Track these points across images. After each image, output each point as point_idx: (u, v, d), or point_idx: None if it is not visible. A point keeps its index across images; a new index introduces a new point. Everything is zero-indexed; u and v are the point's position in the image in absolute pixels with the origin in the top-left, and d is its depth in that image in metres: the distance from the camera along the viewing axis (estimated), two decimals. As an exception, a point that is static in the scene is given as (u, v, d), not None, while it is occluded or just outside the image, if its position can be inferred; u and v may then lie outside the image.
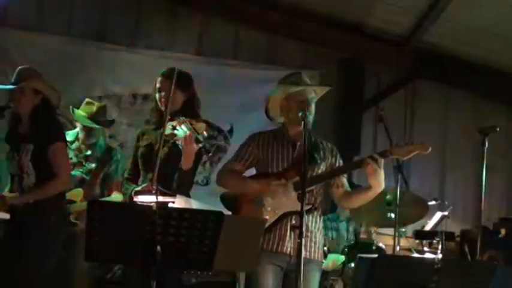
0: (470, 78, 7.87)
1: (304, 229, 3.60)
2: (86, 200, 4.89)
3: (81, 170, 5.14)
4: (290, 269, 3.70)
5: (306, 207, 3.61)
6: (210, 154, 3.65)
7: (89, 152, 5.22)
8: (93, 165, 5.16)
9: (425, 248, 6.29)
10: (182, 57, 7.18)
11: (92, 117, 5.20)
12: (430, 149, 3.63)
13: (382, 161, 3.63)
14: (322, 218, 3.94)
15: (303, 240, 3.56)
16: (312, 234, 3.79)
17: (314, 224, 3.82)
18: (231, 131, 3.83)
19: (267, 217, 3.71)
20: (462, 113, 8.32)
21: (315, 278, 3.82)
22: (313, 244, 3.79)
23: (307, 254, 3.70)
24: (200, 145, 3.57)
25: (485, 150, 4.09)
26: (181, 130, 3.60)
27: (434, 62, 7.79)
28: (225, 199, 3.97)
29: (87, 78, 7.08)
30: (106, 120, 5.44)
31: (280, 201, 3.74)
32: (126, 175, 4.04)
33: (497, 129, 4.09)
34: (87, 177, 5.11)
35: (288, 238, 3.73)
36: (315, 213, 3.82)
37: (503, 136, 8.03)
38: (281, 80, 3.97)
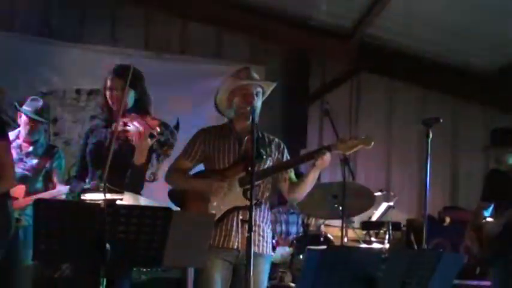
0: (415, 70, 8.02)
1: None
2: (27, 196, 4.89)
3: (22, 166, 5.09)
4: (239, 264, 3.72)
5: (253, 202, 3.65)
6: (159, 150, 3.65)
7: (30, 149, 5.18)
8: (35, 161, 5.13)
9: (373, 238, 6.40)
10: (128, 52, 7.11)
11: (38, 113, 5.16)
12: (372, 143, 3.69)
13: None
14: (269, 211, 3.96)
15: (252, 234, 3.63)
16: (260, 228, 3.81)
17: (262, 218, 3.84)
18: (177, 126, 3.80)
19: (213, 212, 3.72)
20: (407, 104, 8.46)
21: (265, 272, 3.84)
22: (261, 238, 3.81)
23: (256, 248, 3.72)
24: (154, 140, 3.57)
25: (429, 141, 4.16)
26: (134, 126, 3.59)
27: (378, 55, 7.91)
28: (172, 195, 3.96)
29: (31, 75, 6.95)
30: (49, 117, 5.41)
31: (226, 197, 3.75)
32: (73, 173, 3.99)
33: (441, 120, 4.18)
34: (29, 174, 5.09)
35: (234, 233, 3.74)
36: (262, 207, 3.83)
37: (448, 127, 8.22)
38: (231, 74, 3.98)
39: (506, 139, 4.82)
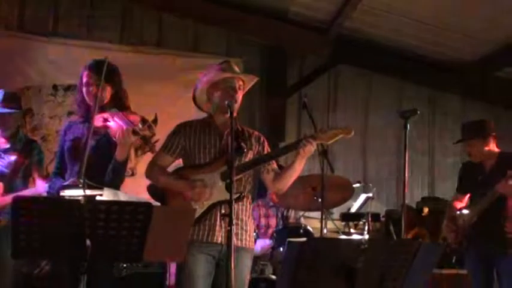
0: (392, 62, 8.07)
1: (234, 217, 3.67)
2: (6, 194, 4.79)
3: (0, 164, 5.00)
4: (222, 258, 3.72)
5: (234, 196, 3.66)
6: (146, 147, 3.65)
7: (8, 145, 5.08)
8: (13, 158, 5.04)
9: (352, 230, 6.44)
10: (104, 46, 7.05)
11: (3, 104, 4.96)
12: (353, 132, 3.71)
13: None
14: (252, 205, 3.97)
15: (234, 228, 3.62)
16: (243, 222, 3.81)
17: (244, 211, 3.84)
18: (155, 120, 3.78)
19: (196, 207, 3.72)
20: (384, 96, 8.52)
21: (247, 266, 3.84)
22: (244, 232, 3.81)
23: (239, 242, 3.73)
24: (138, 137, 3.57)
25: (407, 133, 4.19)
26: (116, 122, 3.58)
27: (356, 47, 7.95)
28: (153, 191, 3.94)
29: (7, 70, 6.87)
30: (19, 106, 5.17)
31: (208, 191, 3.74)
32: (53, 169, 3.96)
33: (418, 112, 4.21)
34: (7, 171, 4.99)
35: (218, 228, 3.73)
36: (245, 201, 3.84)
37: (425, 118, 8.30)
38: (211, 66, 3.96)
39: (473, 132, 4.88)
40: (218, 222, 3.73)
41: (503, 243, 4.65)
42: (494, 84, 8.04)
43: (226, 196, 3.37)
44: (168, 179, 3.86)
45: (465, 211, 4.90)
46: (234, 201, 3.55)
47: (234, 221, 3.67)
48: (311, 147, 3.73)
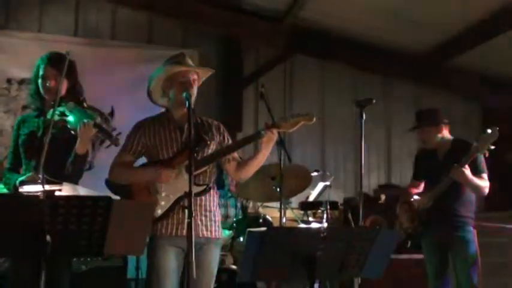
0: (347, 51, 8.14)
1: (203, 209, 3.71)
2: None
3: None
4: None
5: (201, 188, 3.67)
6: (107, 140, 3.63)
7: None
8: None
9: (310, 218, 6.50)
10: (58, 39, 6.96)
11: None
12: (314, 119, 3.74)
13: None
14: (218, 195, 3.98)
15: (203, 220, 3.69)
16: (211, 213, 3.80)
17: (212, 202, 3.84)
18: (112, 113, 3.76)
19: (163, 203, 3.70)
20: (339, 85, 8.61)
21: (216, 256, 3.85)
22: (213, 223, 3.80)
23: (208, 233, 3.74)
24: (97, 130, 3.57)
25: (363, 122, 4.26)
26: (74, 116, 3.54)
27: (310, 37, 8.00)
28: (110, 185, 3.90)
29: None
30: None
31: (174, 185, 3.73)
32: (7, 165, 3.89)
33: (374, 101, 4.28)
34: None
35: (187, 220, 3.73)
36: (212, 191, 3.85)
37: (380, 107, 8.41)
38: (165, 60, 3.95)
39: (427, 120, 4.98)
40: (186, 215, 3.72)
41: (457, 227, 4.76)
42: (447, 72, 8.17)
43: (194, 189, 3.36)
44: (133, 170, 3.83)
45: (417, 197, 4.99)
46: (199, 194, 3.64)
47: (203, 213, 3.71)
48: (274, 136, 3.75)
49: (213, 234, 3.79)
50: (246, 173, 3.96)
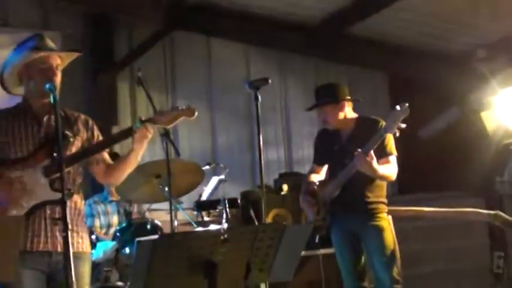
0: (234, 25, 8.16)
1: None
2: None
3: None
4: (54, 270, 3.61)
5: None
6: None
7: None
8: None
9: (206, 219, 6.50)
10: None
11: None
12: (196, 113, 3.75)
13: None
14: (83, 202, 3.91)
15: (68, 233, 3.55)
16: (73, 223, 3.68)
17: (73, 210, 3.73)
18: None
19: (14, 212, 3.57)
20: (229, 65, 8.65)
21: (86, 273, 3.77)
22: (75, 234, 3.71)
23: (73, 247, 3.64)
24: None
25: (258, 105, 4.29)
26: None
27: (192, 10, 7.97)
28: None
29: None
30: None
31: (30, 191, 3.62)
32: None
33: (270, 81, 4.32)
34: None
35: (43, 233, 3.62)
36: (75, 197, 3.76)
37: (276, 86, 8.51)
38: (19, 44, 3.82)
39: (326, 97, 5.01)
40: (43, 227, 3.62)
41: (369, 215, 4.88)
42: (347, 43, 8.31)
43: (52, 195, 3.28)
44: None
45: (317, 181, 5.05)
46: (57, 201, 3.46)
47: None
48: (148, 133, 3.72)
49: (77, 247, 3.71)
50: (117, 177, 3.92)
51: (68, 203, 3.64)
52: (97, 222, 6.19)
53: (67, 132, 3.71)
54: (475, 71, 7.53)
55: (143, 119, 3.75)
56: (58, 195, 3.49)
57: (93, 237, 5.46)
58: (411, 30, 7.84)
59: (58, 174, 3.47)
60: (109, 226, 6.19)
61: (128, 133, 3.76)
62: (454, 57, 8.00)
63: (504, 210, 5.82)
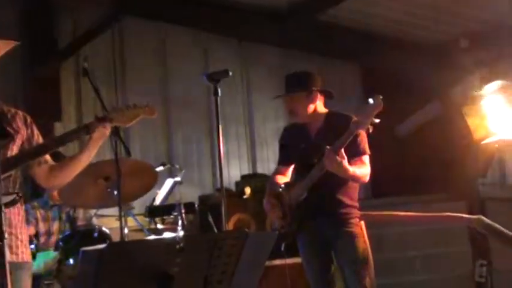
0: (193, 12, 8.17)
1: (6, 226, 3.56)
2: None
3: None
4: None
5: (9, 198, 3.54)
6: None
7: None
8: None
9: (160, 225, 6.48)
10: None
11: None
12: (157, 113, 3.76)
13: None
14: (23, 207, 3.88)
15: (6, 240, 3.52)
16: (17, 230, 3.71)
17: (17, 216, 3.74)
18: None
19: None
20: (185, 55, 8.65)
21: (27, 286, 3.75)
22: (20, 243, 3.72)
23: (14, 256, 3.64)
24: None
25: (218, 100, 4.28)
26: None
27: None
28: None
29: None
30: None
31: None
32: None
33: (230, 73, 4.31)
34: None
35: None
36: (19, 203, 3.73)
37: (237, 79, 8.52)
38: None
39: (296, 85, 4.99)
40: None
41: (340, 220, 4.88)
42: (316, 31, 8.35)
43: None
44: None
45: (282, 183, 5.06)
46: (4, 206, 3.45)
47: (7, 230, 3.57)
48: (107, 131, 3.75)
49: (20, 256, 3.70)
50: (63, 179, 3.93)
51: (12, 209, 3.65)
52: (37, 230, 6.13)
53: (9, 130, 3.68)
54: (457, 63, 7.58)
55: (99, 116, 3.75)
56: (5, 200, 3.48)
57: (32, 246, 5.40)
58: (386, 17, 7.88)
59: (3, 175, 3.47)
60: (50, 234, 6.12)
61: (84, 131, 3.76)
62: (435, 47, 8.06)
63: (486, 215, 5.87)
